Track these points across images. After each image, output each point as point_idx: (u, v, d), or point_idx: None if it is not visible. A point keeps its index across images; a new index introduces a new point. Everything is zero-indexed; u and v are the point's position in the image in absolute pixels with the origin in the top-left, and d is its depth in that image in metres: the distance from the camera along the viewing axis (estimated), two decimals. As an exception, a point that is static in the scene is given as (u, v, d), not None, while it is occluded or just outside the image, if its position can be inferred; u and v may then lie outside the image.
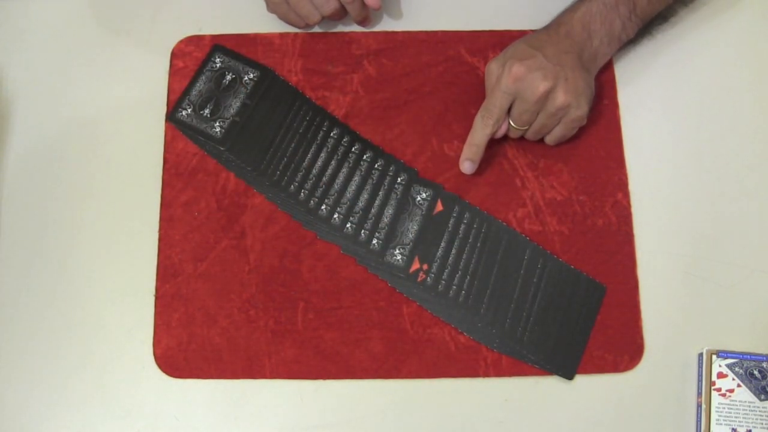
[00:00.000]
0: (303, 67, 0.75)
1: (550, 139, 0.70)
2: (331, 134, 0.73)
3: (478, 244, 0.70)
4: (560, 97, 0.66)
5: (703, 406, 0.65)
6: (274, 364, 0.67)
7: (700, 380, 0.66)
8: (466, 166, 0.70)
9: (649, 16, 0.71)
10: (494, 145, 0.73)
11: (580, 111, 0.67)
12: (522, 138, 0.72)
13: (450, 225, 0.70)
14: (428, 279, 0.69)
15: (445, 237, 0.70)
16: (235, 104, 0.74)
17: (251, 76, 0.75)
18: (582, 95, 0.67)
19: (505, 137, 0.72)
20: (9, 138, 0.74)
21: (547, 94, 0.66)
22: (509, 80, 0.66)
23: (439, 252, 0.70)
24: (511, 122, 0.69)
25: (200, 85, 0.74)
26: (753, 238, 0.70)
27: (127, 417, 0.66)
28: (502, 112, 0.68)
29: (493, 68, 0.68)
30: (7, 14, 0.78)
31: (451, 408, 0.66)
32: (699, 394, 0.66)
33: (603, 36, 0.69)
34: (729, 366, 0.65)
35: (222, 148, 0.72)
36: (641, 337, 0.67)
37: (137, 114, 0.74)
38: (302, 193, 0.71)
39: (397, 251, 0.70)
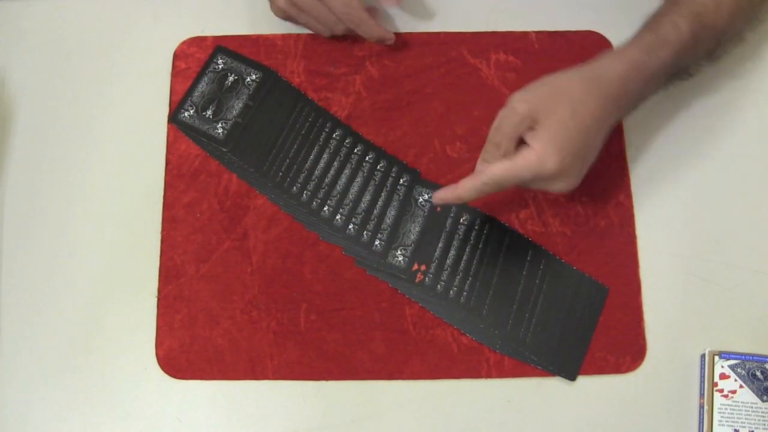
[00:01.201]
0: (305, 69, 0.76)
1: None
2: (334, 135, 0.73)
3: (480, 245, 0.70)
4: (561, 187, 0.62)
5: (706, 407, 0.65)
6: (277, 365, 0.67)
7: (702, 381, 0.66)
8: (436, 199, 0.65)
9: (679, 71, 0.66)
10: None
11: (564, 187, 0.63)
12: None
13: (447, 225, 0.71)
14: (426, 279, 0.69)
15: (442, 237, 0.70)
16: (237, 105, 0.74)
17: (254, 77, 0.75)
18: (582, 175, 0.63)
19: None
20: (11, 139, 0.74)
21: (558, 189, 0.63)
22: (543, 174, 0.60)
23: (437, 252, 0.70)
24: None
25: (203, 87, 0.74)
26: (755, 240, 0.70)
27: (129, 418, 0.66)
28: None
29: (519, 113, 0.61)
30: (8, 15, 0.78)
31: (454, 409, 0.66)
32: (701, 395, 0.66)
33: (639, 99, 0.64)
34: (731, 367, 0.65)
35: (224, 150, 0.72)
36: (643, 339, 0.68)
37: (139, 115, 0.74)
38: (305, 195, 0.71)
39: (399, 252, 0.70)
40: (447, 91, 0.75)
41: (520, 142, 0.61)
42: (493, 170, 0.61)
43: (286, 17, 0.73)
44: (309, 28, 0.74)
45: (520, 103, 0.60)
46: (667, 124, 0.74)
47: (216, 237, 0.70)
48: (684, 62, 0.65)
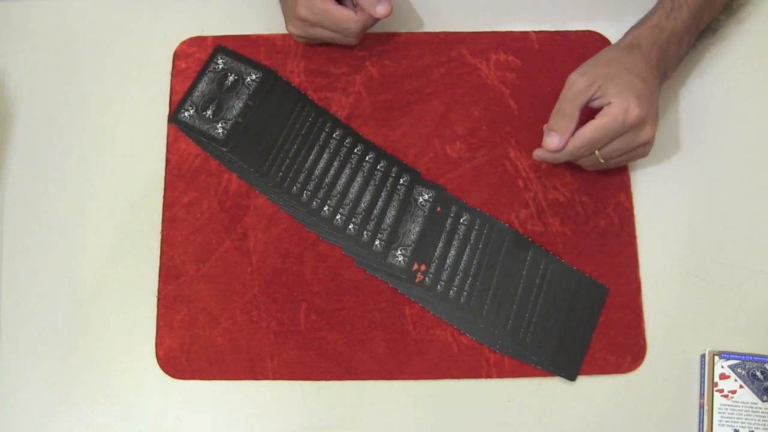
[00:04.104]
0: (305, 68, 0.76)
1: (609, 165, 0.69)
2: (334, 135, 0.73)
3: (480, 245, 0.70)
4: (652, 142, 0.66)
5: (706, 407, 0.65)
6: (277, 365, 0.67)
7: (702, 381, 0.66)
8: (537, 155, 0.68)
9: (702, 29, 0.71)
10: (497, 146, 0.73)
11: (651, 147, 0.67)
12: (524, 139, 0.72)
13: (447, 225, 0.71)
14: (426, 279, 0.69)
15: (442, 237, 0.70)
16: (237, 105, 0.74)
17: (254, 77, 0.75)
18: (656, 126, 0.66)
19: (507, 138, 0.72)
20: (11, 139, 0.74)
21: (649, 141, 0.66)
22: (628, 123, 0.63)
23: (437, 252, 0.70)
24: (597, 153, 0.66)
25: (203, 86, 0.74)
26: (755, 240, 0.70)
27: (130, 418, 0.66)
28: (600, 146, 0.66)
29: (599, 92, 0.65)
30: (9, 15, 0.78)
31: (454, 409, 0.66)
32: (701, 395, 0.66)
33: (674, 59, 0.69)
34: (731, 367, 0.65)
35: (224, 150, 0.72)
36: (644, 338, 0.68)
37: (139, 115, 0.74)
38: (305, 195, 0.71)
39: (399, 252, 0.70)
40: (447, 91, 0.75)
41: (589, 115, 0.65)
42: (585, 132, 0.65)
43: (305, 37, 0.74)
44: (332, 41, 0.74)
45: (579, 77, 0.65)
46: (667, 124, 0.74)
47: (216, 237, 0.70)
48: (704, 20, 0.70)
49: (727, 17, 0.75)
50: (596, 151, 0.66)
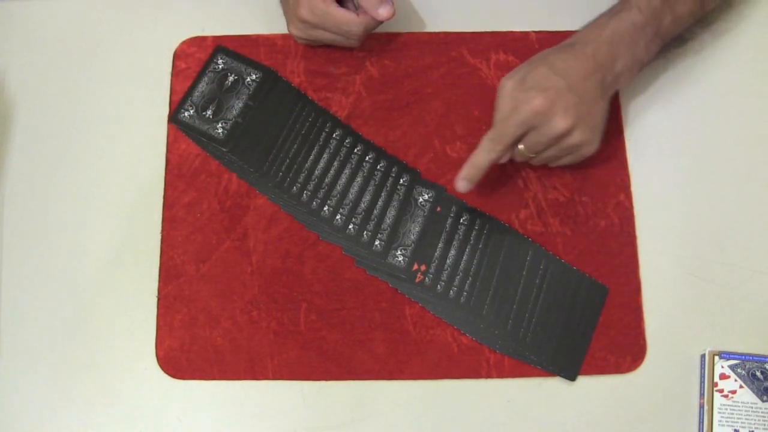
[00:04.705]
0: (305, 69, 0.76)
1: (554, 165, 0.69)
2: (334, 135, 0.73)
3: (480, 246, 0.70)
4: (577, 136, 0.63)
5: (706, 407, 0.65)
6: (277, 365, 0.67)
7: (702, 381, 0.66)
8: (461, 185, 0.66)
9: (669, 37, 0.69)
10: (496, 146, 0.73)
11: (592, 147, 0.65)
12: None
13: (447, 225, 0.71)
14: (426, 279, 0.69)
15: (442, 237, 0.70)
16: (237, 105, 0.74)
17: (254, 77, 0.75)
18: (597, 130, 0.65)
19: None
20: (11, 139, 0.74)
21: (567, 133, 0.63)
22: (529, 113, 0.62)
23: (437, 253, 0.70)
24: (521, 147, 0.66)
25: (203, 86, 0.74)
26: (755, 240, 0.70)
27: (130, 418, 0.66)
28: (514, 141, 0.64)
29: (508, 89, 0.64)
30: (9, 15, 0.78)
31: (454, 409, 0.66)
32: (701, 395, 0.66)
33: (627, 59, 0.66)
34: (731, 367, 0.65)
35: (224, 150, 0.72)
36: (644, 339, 0.68)
37: (139, 115, 0.74)
38: (305, 195, 0.71)
39: (399, 252, 0.70)
40: (447, 91, 0.75)
41: None
42: (491, 130, 0.65)
43: (306, 39, 0.74)
44: (334, 43, 0.74)
45: (507, 81, 0.65)
46: (667, 124, 0.74)
47: (216, 237, 0.70)
48: (665, 25, 0.67)
49: (700, 28, 0.74)
50: (519, 146, 0.65)
